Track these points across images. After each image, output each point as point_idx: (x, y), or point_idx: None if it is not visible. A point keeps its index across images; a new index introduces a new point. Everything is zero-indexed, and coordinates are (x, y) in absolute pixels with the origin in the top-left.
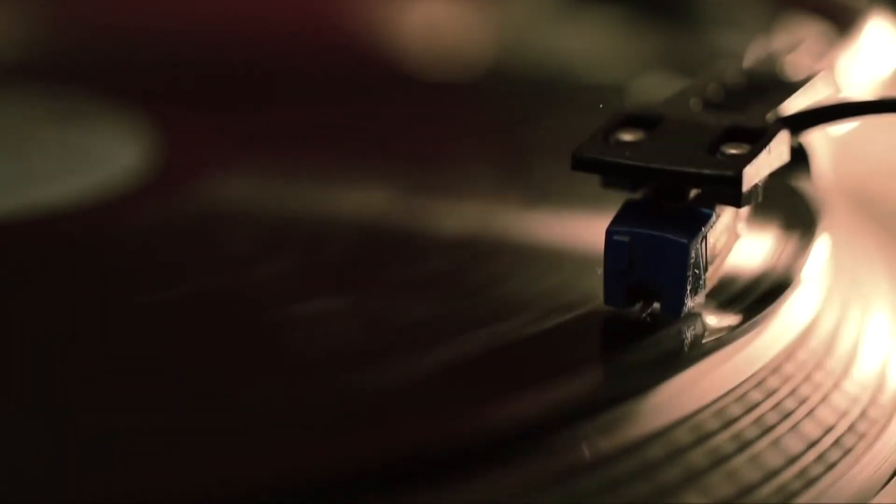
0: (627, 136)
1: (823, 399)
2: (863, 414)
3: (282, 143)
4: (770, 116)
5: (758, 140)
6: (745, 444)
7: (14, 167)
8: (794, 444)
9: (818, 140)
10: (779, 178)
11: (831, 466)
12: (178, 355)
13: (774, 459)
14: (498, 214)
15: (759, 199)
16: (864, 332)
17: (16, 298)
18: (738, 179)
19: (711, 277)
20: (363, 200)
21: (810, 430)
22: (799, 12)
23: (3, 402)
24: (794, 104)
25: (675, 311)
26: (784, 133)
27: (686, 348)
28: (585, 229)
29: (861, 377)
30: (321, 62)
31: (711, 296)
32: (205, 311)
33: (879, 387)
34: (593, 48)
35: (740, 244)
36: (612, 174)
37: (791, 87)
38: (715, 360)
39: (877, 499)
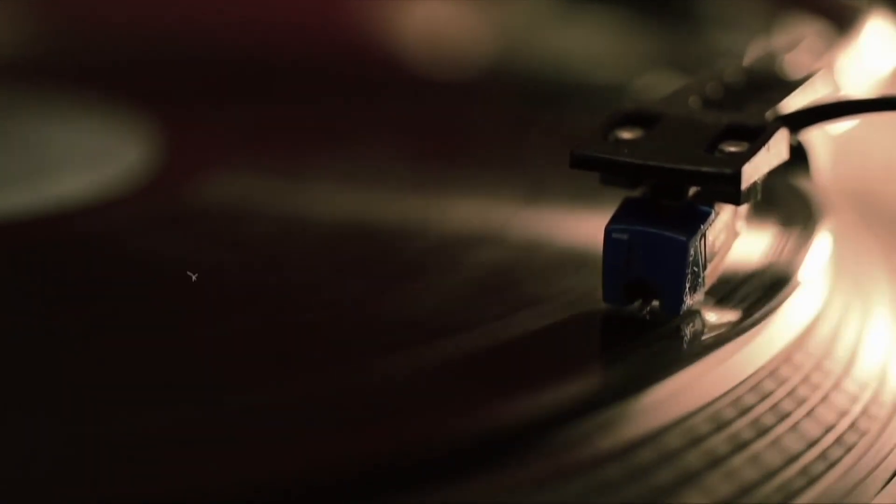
0: (626, 134)
1: (823, 399)
2: (863, 413)
3: (283, 141)
4: (769, 115)
5: (757, 138)
6: (744, 444)
7: (15, 166)
8: (793, 444)
9: (817, 138)
10: (778, 176)
11: (831, 466)
12: (179, 354)
13: (774, 459)
14: (497, 213)
15: (758, 197)
16: (865, 331)
17: (17, 298)
18: (736, 177)
19: (710, 275)
20: (363, 198)
21: (810, 429)
22: (798, 11)
23: (2, 402)
24: (793, 102)
25: (674, 309)
26: (783, 131)
27: (685, 346)
28: (584, 227)
29: (861, 376)
30: (322, 61)
31: (710, 294)
32: (207, 309)
33: (880, 386)
34: (593, 48)
35: (739, 242)
36: (611, 172)
37: (790, 86)
38: (714, 359)
39: (877, 499)
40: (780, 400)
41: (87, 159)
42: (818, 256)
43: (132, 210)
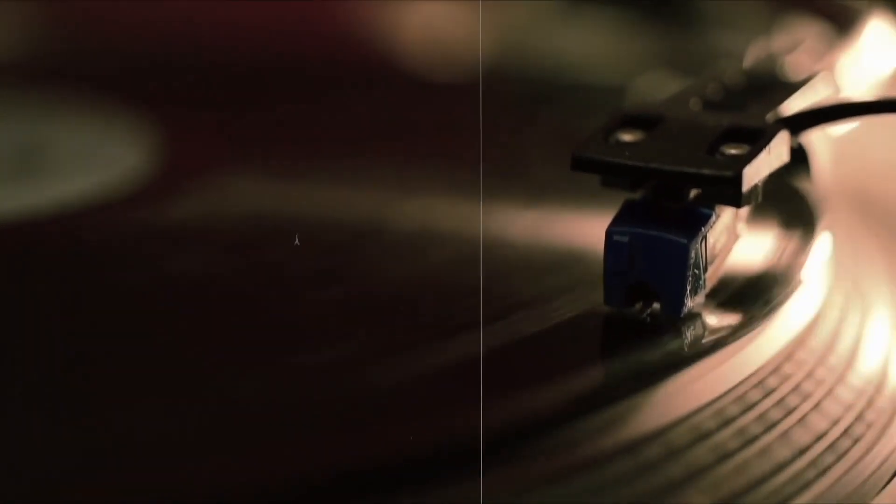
0: (627, 136)
1: (823, 399)
2: (863, 414)
3: (282, 142)
4: (770, 117)
5: (757, 140)
6: (744, 445)
7: (15, 168)
8: (793, 445)
9: (818, 140)
10: (779, 178)
11: (831, 467)
12: (179, 354)
13: (774, 460)
14: (498, 214)
15: (759, 199)
16: (865, 332)
17: (17, 299)
18: (737, 180)
19: (711, 277)
20: (362, 199)
21: (810, 430)
22: (799, 12)
23: (2, 403)
24: (793, 104)
25: (674, 312)
26: (784, 133)
27: (686, 348)
28: (585, 229)
29: (861, 377)
30: (321, 62)
31: (711, 296)
32: (206, 310)
33: (880, 387)
34: (593, 48)
35: (740, 244)
36: (612, 174)
37: (791, 88)
38: (715, 360)
39: (877, 499)
40: (782, 399)
41: (86, 161)
42: (818, 258)
43: (132, 212)
